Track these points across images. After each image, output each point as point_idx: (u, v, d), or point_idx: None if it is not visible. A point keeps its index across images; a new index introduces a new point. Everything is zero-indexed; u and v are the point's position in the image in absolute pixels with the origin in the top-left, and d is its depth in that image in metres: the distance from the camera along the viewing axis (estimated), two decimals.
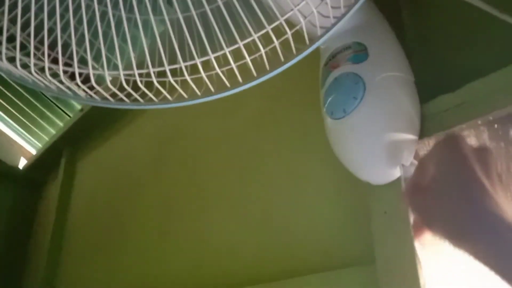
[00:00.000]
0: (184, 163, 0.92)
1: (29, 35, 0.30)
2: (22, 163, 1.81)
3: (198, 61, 0.32)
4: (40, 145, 1.75)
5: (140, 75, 0.34)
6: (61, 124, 1.62)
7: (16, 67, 0.29)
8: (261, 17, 0.33)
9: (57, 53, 0.30)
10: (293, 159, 0.66)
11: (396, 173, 0.44)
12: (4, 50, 0.27)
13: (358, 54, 0.47)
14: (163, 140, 1.02)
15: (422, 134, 0.45)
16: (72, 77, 0.36)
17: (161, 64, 0.34)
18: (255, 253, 0.67)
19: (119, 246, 1.04)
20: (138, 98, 0.34)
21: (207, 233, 0.79)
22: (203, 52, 0.36)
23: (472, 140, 0.43)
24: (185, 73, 0.33)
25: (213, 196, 0.80)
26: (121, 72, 0.31)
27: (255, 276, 0.66)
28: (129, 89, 0.32)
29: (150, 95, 0.34)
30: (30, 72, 0.29)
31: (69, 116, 1.59)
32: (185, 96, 0.35)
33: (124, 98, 0.34)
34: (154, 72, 0.31)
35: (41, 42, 0.32)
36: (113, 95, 0.37)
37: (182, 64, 0.31)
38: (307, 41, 0.37)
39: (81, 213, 1.31)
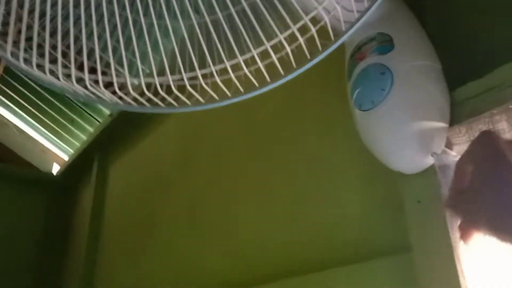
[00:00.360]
0: (211, 159, 0.94)
1: (68, 47, 0.32)
2: (55, 169, 1.86)
3: (227, 64, 0.33)
4: (71, 151, 1.80)
5: (172, 79, 0.35)
6: (91, 129, 1.66)
7: (58, 79, 0.30)
8: (287, 18, 0.34)
9: (94, 63, 0.32)
10: (320, 150, 0.67)
11: (428, 161, 0.44)
12: (47, 65, 0.29)
13: (383, 45, 0.47)
14: (190, 137, 1.04)
15: (453, 121, 0.45)
16: (107, 85, 0.37)
17: (191, 67, 0.35)
18: (286, 245, 0.68)
19: (154, 245, 1.06)
20: (173, 102, 0.35)
21: (237, 227, 0.80)
22: (231, 54, 0.37)
23: (504, 125, 0.43)
24: (216, 76, 0.34)
25: (241, 189, 0.81)
26: (156, 79, 0.32)
27: (287, 268, 0.67)
28: (164, 95, 0.34)
29: (184, 98, 0.35)
30: (72, 82, 0.31)
31: (98, 121, 1.63)
32: (216, 98, 0.36)
33: (159, 103, 0.35)
34: (186, 78, 0.32)
35: (79, 53, 0.33)
36: (148, 100, 0.38)
37: (213, 68, 0.33)
38: (332, 37, 0.37)
39: (115, 215, 1.34)
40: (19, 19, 0.28)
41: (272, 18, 0.39)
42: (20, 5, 0.28)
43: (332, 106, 0.65)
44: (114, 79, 0.31)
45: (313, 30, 0.38)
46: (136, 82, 0.36)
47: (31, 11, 0.28)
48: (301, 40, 0.37)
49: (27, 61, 0.28)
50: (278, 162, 0.75)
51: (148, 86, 0.36)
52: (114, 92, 0.37)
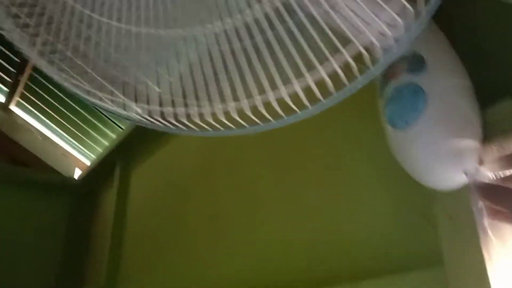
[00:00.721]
0: (232, 166, 0.95)
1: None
2: (77, 174, 1.90)
3: (271, 96, 0.34)
4: (93, 156, 1.83)
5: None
6: (113, 135, 1.69)
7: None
8: (325, 51, 0.35)
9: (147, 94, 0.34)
10: (347, 163, 0.68)
11: (462, 179, 0.45)
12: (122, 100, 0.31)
13: (416, 64, 0.48)
14: (211, 144, 1.06)
15: (484, 139, 0.46)
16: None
17: (235, 97, 0.37)
18: (312, 256, 0.69)
19: (175, 250, 1.08)
20: (216, 125, 0.37)
21: (259, 234, 0.81)
22: (271, 83, 0.38)
23: None
24: (259, 106, 0.35)
25: (264, 198, 0.82)
26: (197, 109, 0.34)
27: (313, 279, 0.68)
28: (201, 123, 0.36)
29: (229, 123, 0.37)
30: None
31: (121, 127, 1.66)
32: (260, 123, 0.38)
33: (206, 127, 0.37)
34: (232, 107, 0.34)
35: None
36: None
37: (256, 99, 0.34)
38: (369, 65, 0.38)
39: (137, 221, 1.37)
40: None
41: (309, 44, 0.40)
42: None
43: (361, 121, 0.66)
44: (168, 111, 0.33)
45: (350, 59, 0.39)
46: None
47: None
48: (337, 68, 0.38)
49: (90, 93, 0.31)
50: (303, 173, 0.76)
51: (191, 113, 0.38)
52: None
